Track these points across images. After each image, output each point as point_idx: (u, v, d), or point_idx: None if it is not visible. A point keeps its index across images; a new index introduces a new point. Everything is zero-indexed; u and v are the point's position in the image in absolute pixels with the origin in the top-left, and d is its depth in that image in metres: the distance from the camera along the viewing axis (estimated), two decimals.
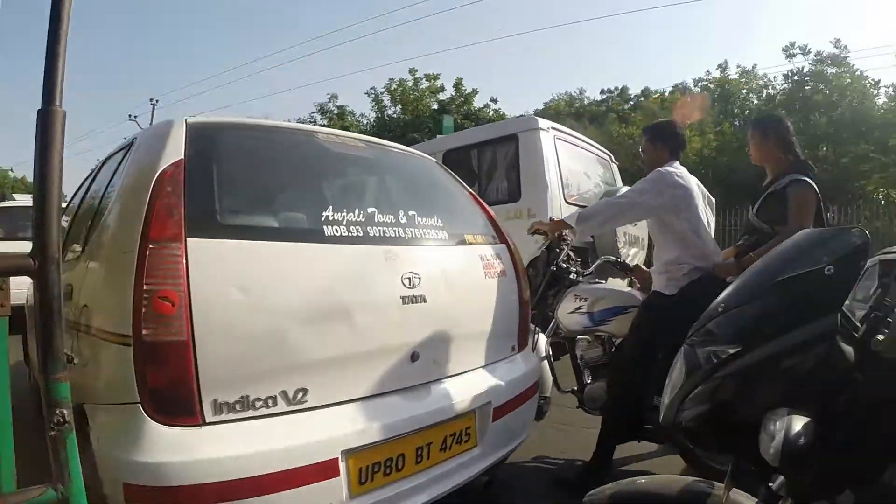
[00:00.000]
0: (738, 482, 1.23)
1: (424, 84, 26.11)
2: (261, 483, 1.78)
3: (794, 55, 19.29)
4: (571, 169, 6.35)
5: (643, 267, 4.01)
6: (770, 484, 1.19)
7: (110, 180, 2.68)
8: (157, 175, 1.93)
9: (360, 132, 24.08)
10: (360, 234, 2.26)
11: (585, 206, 5.84)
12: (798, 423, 0.96)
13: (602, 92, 25.91)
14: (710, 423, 1.10)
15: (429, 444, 2.24)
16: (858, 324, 1.09)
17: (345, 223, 2.24)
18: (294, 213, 2.37)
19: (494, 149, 6.58)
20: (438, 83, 26.12)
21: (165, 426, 1.75)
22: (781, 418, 0.97)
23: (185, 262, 1.80)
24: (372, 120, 27.00)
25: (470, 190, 3.17)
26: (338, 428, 1.99)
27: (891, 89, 18.92)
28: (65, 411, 1.27)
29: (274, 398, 1.91)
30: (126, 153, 2.65)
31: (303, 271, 2.06)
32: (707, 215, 5.90)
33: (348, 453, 1.98)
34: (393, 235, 2.36)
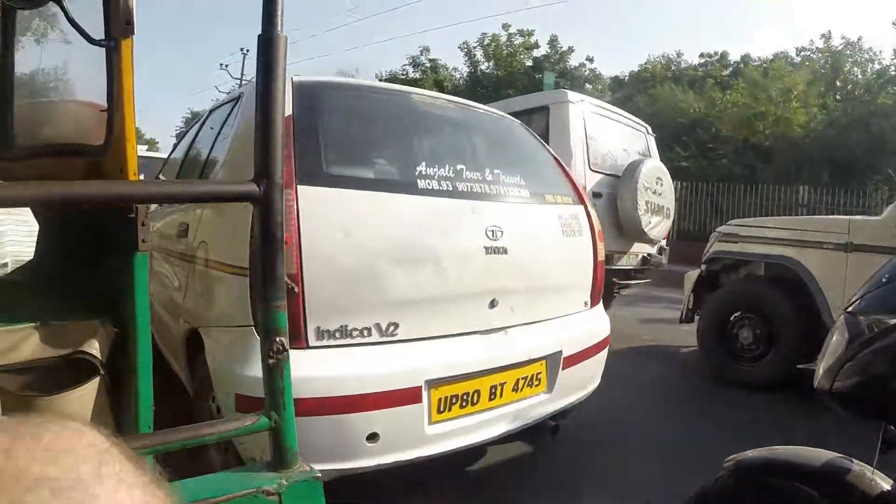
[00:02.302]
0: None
1: (518, 40, 25.66)
2: (355, 401, 2.05)
3: None
4: (600, 139, 6.41)
5: None
6: None
7: (219, 131, 3.00)
8: None
9: (454, 86, 24.04)
10: (450, 189, 2.47)
11: (613, 175, 6.01)
12: None
13: (701, 55, 24.65)
14: (864, 388, 1.13)
15: (502, 384, 2.45)
16: None
17: (436, 178, 2.45)
18: (391, 166, 2.60)
19: (529, 119, 6.65)
20: (532, 39, 25.58)
21: None
22: None
23: (296, 205, 2.06)
24: (465, 75, 26.78)
25: (552, 152, 3.30)
26: (423, 360, 2.24)
27: None
28: (283, 339, 1.26)
29: (369, 329, 2.16)
30: (234, 106, 2.95)
31: (398, 219, 2.29)
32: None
33: (431, 384, 2.22)
34: (479, 191, 2.55)
